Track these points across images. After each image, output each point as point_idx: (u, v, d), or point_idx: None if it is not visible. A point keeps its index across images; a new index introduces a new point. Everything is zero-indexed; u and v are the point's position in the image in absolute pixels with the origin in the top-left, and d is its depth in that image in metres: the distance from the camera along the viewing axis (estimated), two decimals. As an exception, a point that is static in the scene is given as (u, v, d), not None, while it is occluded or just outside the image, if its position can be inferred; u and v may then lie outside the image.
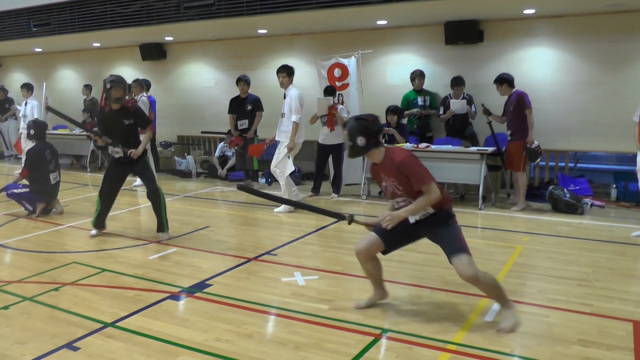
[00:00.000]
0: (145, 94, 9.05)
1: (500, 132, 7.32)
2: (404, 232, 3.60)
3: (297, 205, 4.46)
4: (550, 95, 7.71)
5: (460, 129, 7.85)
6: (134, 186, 8.81)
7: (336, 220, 6.45)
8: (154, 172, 5.76)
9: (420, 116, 8.15)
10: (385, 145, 3.58)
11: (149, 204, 5.77)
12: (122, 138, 5.60)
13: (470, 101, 7.80)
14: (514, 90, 6.90)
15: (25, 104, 10.45)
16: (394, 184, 3.51)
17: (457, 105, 7.71)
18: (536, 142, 6.75)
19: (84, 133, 10.78)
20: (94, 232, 5.90)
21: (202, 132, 10.41)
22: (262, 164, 9.40)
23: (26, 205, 6.90)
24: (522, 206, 6.93)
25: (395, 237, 3.63)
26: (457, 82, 7.79)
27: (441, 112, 7.95)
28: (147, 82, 9.44)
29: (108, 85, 5.46)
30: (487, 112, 7.15)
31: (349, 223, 3.71)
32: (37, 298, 4.10)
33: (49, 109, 5.85)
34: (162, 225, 5.73)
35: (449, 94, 7.91)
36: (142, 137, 5.78)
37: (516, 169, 6.93)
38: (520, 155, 6.83)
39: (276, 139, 7.30)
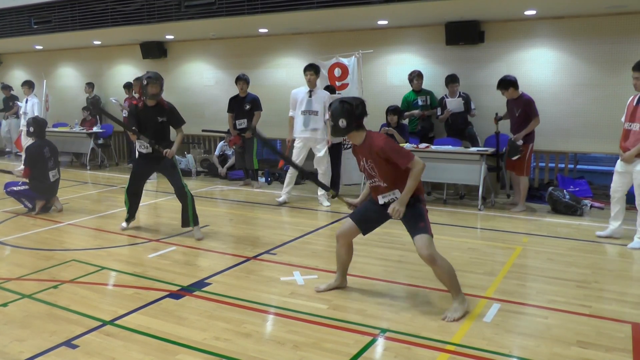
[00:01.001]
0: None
1: (502, 133, 7.30)
2: (375, 216, 3.92)
3: (299, 172, 4.65)
4: (550, 97, 7.70)
5: (460, 129, 7.84)
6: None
7: (335, 220, 6.49)
8: (180, 171, 5.79)
9: (424, 117, 8.13)
10: (366, 129, 3.80)
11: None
12: (153, 135, 5.58)
13: (467, 100, 7.78)
14: (521, 93, 6.83)
15: (26, 102, 10.46)
16: (370, 165, 3.76)
17: (454, 104, 7.70)
18: (521, 141, 6.76)
19: (84, 131, 10.80)
20: (124, 224, 6.01)
21: (203, 131, 10.40)
22: (262, 163, 9.39)
23: (25, 202, 6.90)
24: (522, 208, 6.94)
25: (368, 222, 3.97)
26: (452, 79, 7.75)
27: (439, 112, 7.93)
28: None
29: (145, 82, 5.48)
30: (498, 120, 7.06)
31: (333, 197, 4.19)
32: (36, 295, 4.11)
33: (95, 106, 5.87)
34: (186, 221, 5.73)
35: (445, 94, 7.89)
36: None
37: (518, 172, 6.93)
38: (523, 159, 6.83)
39: (305, 136, 7.22)
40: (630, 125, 5.30)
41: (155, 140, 5.58)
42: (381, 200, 3.81)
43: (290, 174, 7.47)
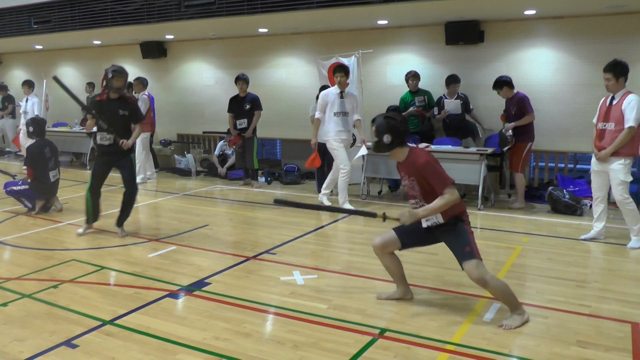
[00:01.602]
0: (146, 92, 9.09)
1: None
2: (419, 234, 3.76)
3: (332, 210, 4.63)
4: (550, 97, 7.71)
5: (459, 128, 7.84)
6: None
7: (335, 219, 6.49)
8: (137, 171, 5.78)
9: (422, 119, 8.12)
10: (409, 145, 3.70)
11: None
12: (114, 128, 5.58)
13: (465, 101, 7.78)
14: (516, 92, 6.92)
15: (26, 101, 10.49)
16: (412, 183, 3.64)
17: (452, 106, 7.70)
18: (510, 132, 6.81)
19: (84, 131, 10.79)
20: (80, 230, 5.90)
21: (204, 132, 10.41)
22: (262, 163, 9.39)
23: (25, 202, 6.90)
24: (521, 205, 7.01)
25: (411, 238, 3.81)
26: (452, 80, 7.75)
27: (436, 112, 7.93)
28: (144, 80, 9.46)
29: (110, 75, 5.47)
30: (506, 121, 7.07)
31: (384, 220, 3.80)
32: (36, 295, 4.11)
33: (55, 79, 5.82)
34: (122, 221, 5.79)
35: (444, 94, 7.89)
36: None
37: (514, 169, 7.03)
38: (520, 156, 6.89)
39: (343, 137, 7.03)
40: (605, 125, 5.39)
41: (116, 133, 5.54)
42: (424, 223, 3.67)
43: (334, 177, 7.11)
